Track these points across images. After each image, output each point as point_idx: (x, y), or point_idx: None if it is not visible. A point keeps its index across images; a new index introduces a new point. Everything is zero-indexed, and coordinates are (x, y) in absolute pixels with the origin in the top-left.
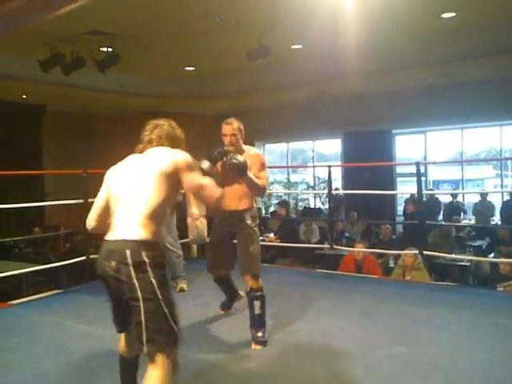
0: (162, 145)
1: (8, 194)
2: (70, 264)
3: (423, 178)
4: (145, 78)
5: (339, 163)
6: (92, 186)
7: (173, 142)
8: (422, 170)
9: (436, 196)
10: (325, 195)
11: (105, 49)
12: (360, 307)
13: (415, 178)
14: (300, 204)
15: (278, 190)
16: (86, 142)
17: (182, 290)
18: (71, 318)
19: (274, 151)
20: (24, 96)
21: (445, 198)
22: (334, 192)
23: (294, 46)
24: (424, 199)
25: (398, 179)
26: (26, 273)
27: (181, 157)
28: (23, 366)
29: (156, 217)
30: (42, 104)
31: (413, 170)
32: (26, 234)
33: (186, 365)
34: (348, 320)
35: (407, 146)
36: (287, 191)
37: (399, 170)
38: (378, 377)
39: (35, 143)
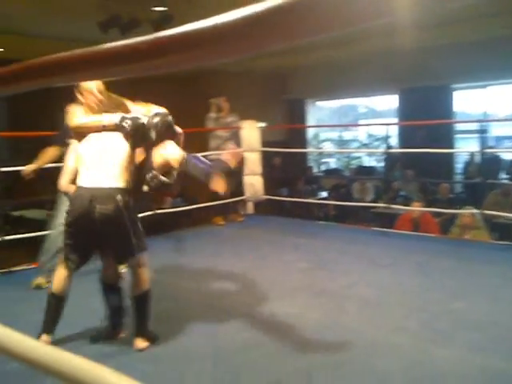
0: None
1: None
2: None
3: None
4: None
5: (393, 119)
6: None
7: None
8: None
9: (497, 154)
10: (379, 153)
11: (158, 8)
12: (417, 263)
13: (475, 135)
14: (352, 162)
15: (333, 148)
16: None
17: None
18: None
19: (323, 108)
20: None
21: (508, 156)
22: (390, 151)
23: None
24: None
25: (458, 136)
26: None
27: None
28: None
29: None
30: None
31: (474, 126)
32: None
33: (250, 312)
34: (405, 275)
35: (467, 101)
36: (341, 150)
37: (459, 127)
38: (434, 331)
39: None
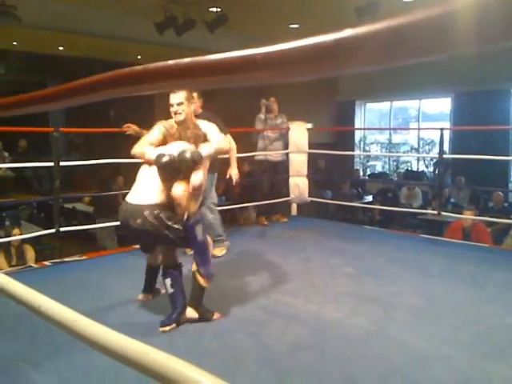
0: None
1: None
2: None
3: None
4: (250, 38)
5: (445, 123)
6: None
7: None
8: None
9: None
10: (429, 158)
11: (214, 9)
12: (469, 274)
13: None
14: (402, 166)
15: (377, 151)
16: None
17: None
18: (188, 262)
19: (372, 110)
20: (139, 57)
21: None
22: (445, 156)
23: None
24: None
25: None
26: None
27: None
28: (151, 301)
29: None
30: None
31: None
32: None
33: (295, 314)
34: (456, 286)
35: None
36: (389, 154)
37: None
38: (488, 345)
39: (148, 100)
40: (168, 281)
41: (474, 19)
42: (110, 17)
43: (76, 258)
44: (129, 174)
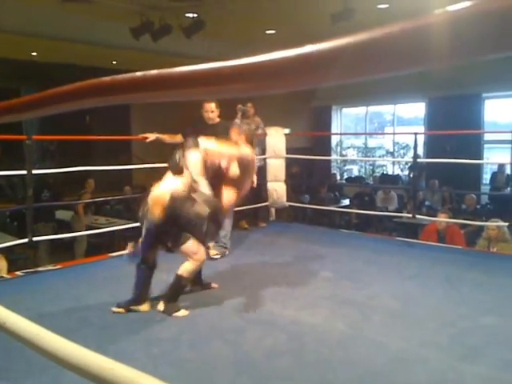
0: None
1: (99, 157)
2: None
3: None
4: (226, 43)
5: (419, 127)
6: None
7: None
8: None
9: None
10: (404, 162)
11: (190, 15)
12: (444, 276)
13: (504, 145)
14: (377, 170)
15: (353, 155)
16: (171, 108)
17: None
18: (163, 271)
19: (348, 115)
20: (114, 62)
21: None
22: (418, 160)
23: (380, 6)
24: None
25: (486, 145)
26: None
27: None
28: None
29: None
30: (130, 70)
31: (503, 136)
32: (117, 193)
33: (273, 320)
34: (431, 288)
35: (497, 110)
36: (365, 158)
37: (487, 136)
38: (463, 346)
39: (124, 109)
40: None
41: (447, 34)
42: (85, 22)
43: (49, 267)
44: (101, 177)
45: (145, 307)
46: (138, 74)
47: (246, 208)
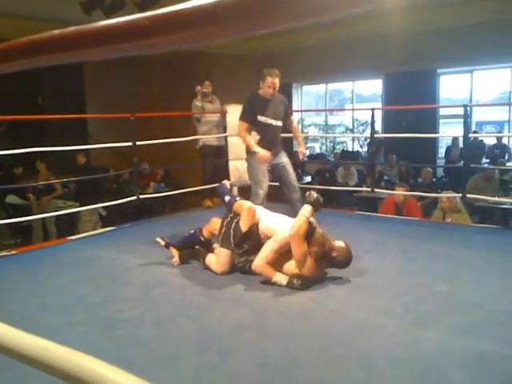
0: None
1: (55, 137)
2: (121, 203)
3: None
4: None
5: (378, 104)
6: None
7: None
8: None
9: (480, 138)
10: (363, 138)
11: None
12: (400, 247)
13: (459, 120)
14: (338, 147)
15: (315, 133)
16: (127, 86)
17: None
18: (126, 253)
19: (309, 92)
20: None
21: (489, 140)
22: (376, 136)
23: None
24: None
25: (441, 120)
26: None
27: None
28: (89, 294)
29: None
30: None
31: (457, 111)
32: (73, 176)
33: (237, 297)
34: (389, 260)
35: (452, 86)
36: (325, 134)
37: (442, 111)
38: (418, 313)
39: (78, 87)
40: None
41: None
42: None
43: (4, 253)
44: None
45: (176, 258)
46: (56, 31)
47: (209, 187)
